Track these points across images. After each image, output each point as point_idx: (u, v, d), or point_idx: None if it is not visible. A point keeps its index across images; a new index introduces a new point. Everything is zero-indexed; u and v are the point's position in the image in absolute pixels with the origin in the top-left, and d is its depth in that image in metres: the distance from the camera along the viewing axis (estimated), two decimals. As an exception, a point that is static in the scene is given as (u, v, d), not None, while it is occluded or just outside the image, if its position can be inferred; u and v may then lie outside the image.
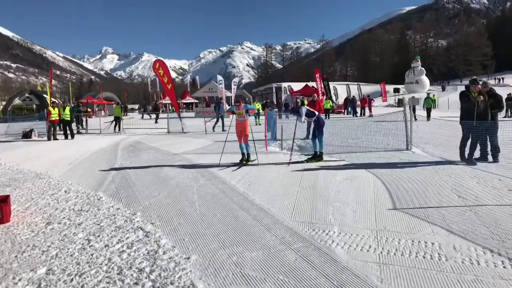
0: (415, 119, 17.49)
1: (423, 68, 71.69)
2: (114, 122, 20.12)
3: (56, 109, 15.80)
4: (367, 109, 29.30)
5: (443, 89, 71.85)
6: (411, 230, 4.27)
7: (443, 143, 11.14)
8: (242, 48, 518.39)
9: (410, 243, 3.88)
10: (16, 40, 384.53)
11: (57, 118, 15.73)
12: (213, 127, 18.32)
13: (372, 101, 30.53)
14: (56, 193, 6.52)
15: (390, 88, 64.02)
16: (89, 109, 45.00)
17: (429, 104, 20.54)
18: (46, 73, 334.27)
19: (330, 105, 28.88)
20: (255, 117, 22.38)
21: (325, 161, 9.00)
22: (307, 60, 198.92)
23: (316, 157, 9.05)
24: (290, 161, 8.88)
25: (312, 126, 13.94)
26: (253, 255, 3.69)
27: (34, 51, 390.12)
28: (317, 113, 9.25)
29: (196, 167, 8.69)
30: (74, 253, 3.85)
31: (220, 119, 18.63)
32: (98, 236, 4.33)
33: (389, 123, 14.25)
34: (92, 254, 3.81)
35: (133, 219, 4.94)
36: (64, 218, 5.08)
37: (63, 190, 6.70)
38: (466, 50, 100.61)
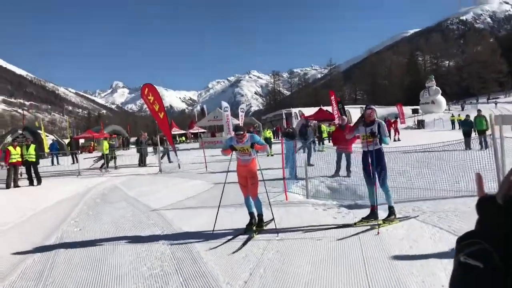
0: (469, 148, 13.82)
1: (438, 88, 68.28)
2: (102, 160, 16.94)
3: (18, 148, 12.61)
4: (392, 132, 26.01)
5: (462, 109, 68.15)
6: None
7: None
8: (250, 77, 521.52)
9: None
10: (29, 78, 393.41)
11: (19, 159, 12.53)
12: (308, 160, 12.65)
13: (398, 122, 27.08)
14: None
15: (405, 109, 60.56)
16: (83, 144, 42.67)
17: (482, 125, 16.41)
18: (59, 109, 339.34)
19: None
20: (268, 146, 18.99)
21: (398, 220, 5.47)
22: (315, 85, 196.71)
23: (387, 216, 5.49)
24: (337, 225, 5.37)
25: (349, 159, 10.38)
26: None
27: (47, 89, 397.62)
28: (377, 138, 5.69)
29: (173, 241, 5.23)
30: None
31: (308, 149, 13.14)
32: None
33: (443, 154, 10.76)
34: None
35: None
36: None
37: None
38: (480, 68, 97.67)
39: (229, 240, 5.08)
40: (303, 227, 5.49)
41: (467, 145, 14.13)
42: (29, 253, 5.14)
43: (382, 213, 5.75)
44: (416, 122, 47.84)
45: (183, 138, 56.99)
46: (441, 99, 66.91)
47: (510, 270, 0.60)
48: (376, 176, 5.45)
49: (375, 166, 5.42)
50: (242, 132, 5.48)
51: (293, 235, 5.14)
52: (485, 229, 0.68)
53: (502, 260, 0.61)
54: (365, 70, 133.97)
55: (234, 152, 5.58)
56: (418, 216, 5.61)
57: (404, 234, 4.84)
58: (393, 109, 59.29)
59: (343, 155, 10.56)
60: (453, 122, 38.62)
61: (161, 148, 17.87)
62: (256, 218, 5.66)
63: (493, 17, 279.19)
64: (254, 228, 5.54)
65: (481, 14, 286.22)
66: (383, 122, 5.67)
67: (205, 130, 49.48)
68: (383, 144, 5.56)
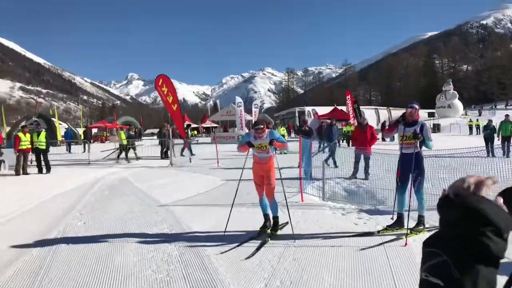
0: (492, 155, 13.15)
1: (455, 92, 66.84)
2: (119, 150, 16.73)
3: (28, 135, 12.41)
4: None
5: (480, 114, 66.74)
6: None
7: None
8: (264, 74, 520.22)
9: None
10: (47, 67, 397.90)
11: (29, 146, 12.34)
12: (326, 160, 11.76)
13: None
14: None
15: (421, 112, 59.46)
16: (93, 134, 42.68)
17: (508, 131, 14.58)
18: (74, 98, 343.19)
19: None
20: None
21: (426, 230, 5.03)
22: (329, 84, 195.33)
23: (417, 225, 5.02)
24: (359, 233, 4.97)
25: (368, 161, 9.85)
26: None
27: (64, 77, 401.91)
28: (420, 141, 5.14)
29: (181, 241, 4.87)
30: None
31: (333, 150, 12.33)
32: None
33: (466, 160, 10.23)
34: None
35: None
36: None
37: None
38: (499, 73, 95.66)
39: (241, 244, 4.69)
40: (322, 233, 5.07)
41: (489, 152, 13.44)
42: (28, 247, 4.83)
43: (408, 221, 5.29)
44: (431, 126, 46.86)
45: (195, 132, 56.85)
46: (458, 103, 65.49)
47: (469, 277, 0.58)
48: (411, 181, 5.00)
49: (412, 170, 4.95)
50: (262, 127, 5.07)
51: (311, 242, 4.73)
52: (442, 232, 0.67)
53: (462, 263, 0.59)
54: (381, 71, 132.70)
55: (250, 149, 5.19)
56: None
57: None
58: (409, 112, 58.16)
59: (362, 156, 10.08)
60: (470, 127, 37.68)
61: (179, 141, 17.54)
62: (271, 220, 5.27)
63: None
64: (269, 231, 5.16)
65: (502, 19, 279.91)
66: (427, 124, 5.20)
67: (217, 125, 49.23)
68: (423, 148, 5.10)
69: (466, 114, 62.86)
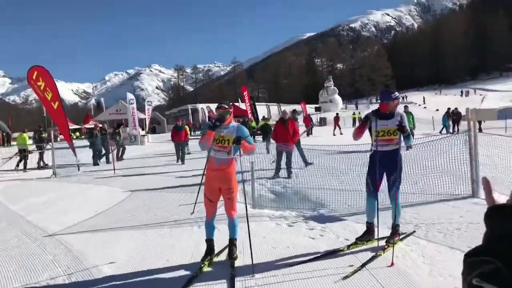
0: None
1: (335, 88, 73.15)
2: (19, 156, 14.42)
3: None
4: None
5: (357, 107, 74.14)
6: None
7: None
8: (151, 71, 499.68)
9: None
10: None
11: None
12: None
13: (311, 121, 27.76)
14: None
15: (308, 107, 63.08)
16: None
17: (409, 122, 15.26)
18: None
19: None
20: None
21: (401, 239, 4.27)
22: (219, 82, 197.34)
23: (392, 235, 4.11)
24: (326, 252, 4.00)
25: (290, 158, 9.13)
26: None
27: None
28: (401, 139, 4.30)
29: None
30: None
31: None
32: None
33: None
34: None
35: None
36: None
37: None
38: (369, 71, 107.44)
39: (182, 289, 3.36)
40: (281, 259, 3.98)
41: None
42: None
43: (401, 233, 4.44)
44: (318, 120, 49.92)
45: (77, 133, 51.10)
46: (338, 98, 71.66)
47: None
48: (386, 185, 4.23)
49: (391, 171, 4.16)
50: (227, 107, 3.85)
51: (275, 274, 3.59)
52: (496, 243, 0.62)
53: None
54: (267, 69, 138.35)
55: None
56: (414, 232, 4.55)
57: (425, 263, 3.63)
58: (297, 107, 61.23)
59: (284, 153, 9.34)
60: (354, 120, 40.88)
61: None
62: (230, 249, 3.97)
63: (377, 26, 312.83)
64: (210, 261, 3.91)
65: (367, 23, 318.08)
66: (405, 114, 4.45)
67: (101, 125, 44.77)
68: (402, 144, 4.35)
69: (345, 108, 68.98)
